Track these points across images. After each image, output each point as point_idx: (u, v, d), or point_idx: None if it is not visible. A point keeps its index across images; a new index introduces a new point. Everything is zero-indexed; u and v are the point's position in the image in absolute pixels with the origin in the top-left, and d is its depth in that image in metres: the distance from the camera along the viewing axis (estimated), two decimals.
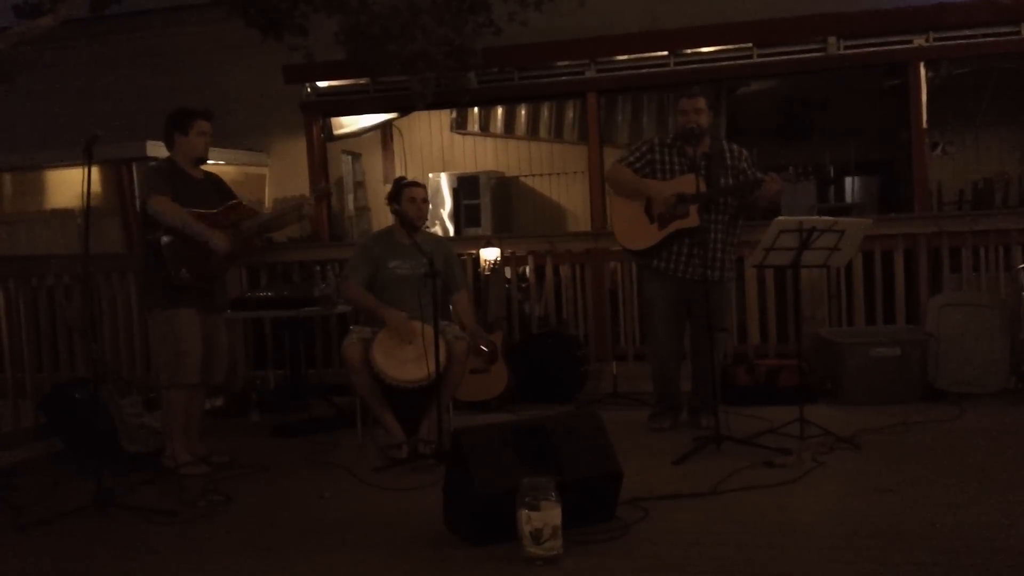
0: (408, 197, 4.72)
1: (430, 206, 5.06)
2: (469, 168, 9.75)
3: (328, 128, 7.87)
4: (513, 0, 6.18)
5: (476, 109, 9.52)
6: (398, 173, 9.58)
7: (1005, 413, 4.89)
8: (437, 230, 9.13)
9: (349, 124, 8.25)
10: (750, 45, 6.75)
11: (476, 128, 9.88)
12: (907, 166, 6.77)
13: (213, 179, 4.59)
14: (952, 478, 3.75)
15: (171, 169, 4.37)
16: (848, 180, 8.72)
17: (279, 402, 5.85)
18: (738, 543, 3.12)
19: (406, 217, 4.69)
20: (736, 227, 4.79)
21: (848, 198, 8.65)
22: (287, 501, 3.93)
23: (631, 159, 4.74)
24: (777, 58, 6.74)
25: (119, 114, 8.13)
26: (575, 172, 9.30)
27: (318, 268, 6.49)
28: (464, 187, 9.26)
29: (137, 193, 4.45)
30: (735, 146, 4.83)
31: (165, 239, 4.20)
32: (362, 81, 7.35)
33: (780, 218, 4.31)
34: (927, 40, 6.46)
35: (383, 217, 9.00)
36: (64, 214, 8.18)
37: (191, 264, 4.25)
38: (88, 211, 3.91)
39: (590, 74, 7.03)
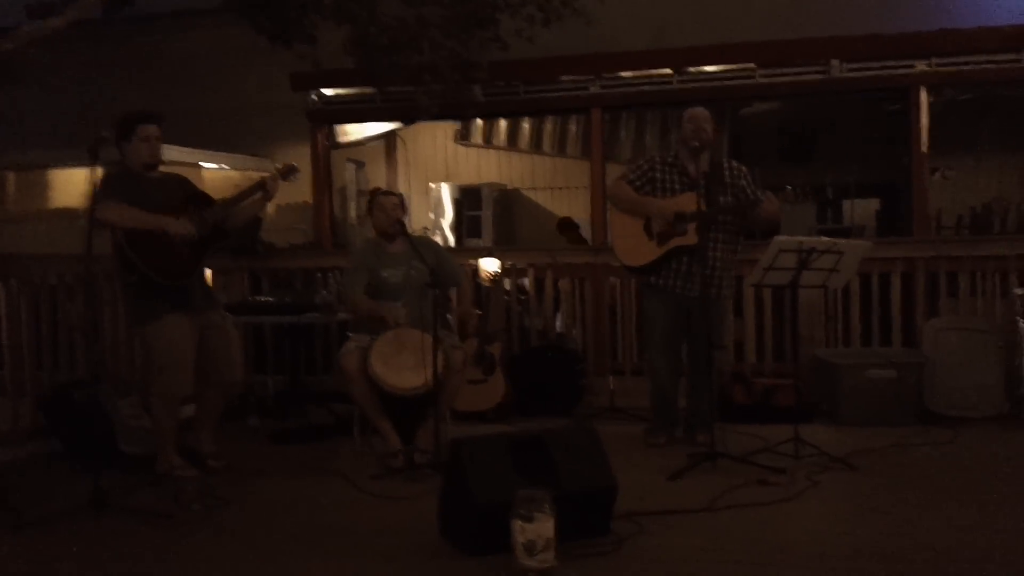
0: (378, 206, 4.82)
1: (431, 216, 5.11)
2: (472, 180, 9.80)
3: (333, 136, 7.91)
4: (520, 16, 6.23)
5: (480, 121, 9.57)
6: (401, 182, 9.63)
7: (999, 437, 4.92)
8: (438, 239, 9.16)
9: (354, 132, 8.29)
10: (753, 66, 6.80)
11: (480, 140, 9.94)
12: (907, 190, 6.81)
13: (176, 179, 4.45)
14: (945, 501, 3.77)
15: (121, 175, 4.23)
16: (847, 202, 8.77)
17: (278, 408, 5.87)
18: (731, 560, 3.14)
19: (378, 226, 4.77)
20: (737, 245, 4.82)
21: (847, 220, 8.70)
22: (283, 507, 3.94)
23: (631, 177, 4.78)
24: (780, 79, 6.80)
25: None
26: (577, 187, 9.35)
27: (320, 275, 6.52)
28: (466, 198, 9.32)
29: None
30: (735, 163, 4.86)
31: (125, 241, 4.09)
32: (368, 90, 7.39)
33: (779, 238, 4.34)
34: (929, 65, 6.52)
35: None
36: (68, 214, 8.20)
37: (159, 262, 4.13)
38: (93, 212, 3.93)
39: (595, 90, 7.07)
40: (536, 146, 9.83)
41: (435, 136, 9.97)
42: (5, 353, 5.10)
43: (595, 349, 6.25)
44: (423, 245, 4.93)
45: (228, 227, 4.43)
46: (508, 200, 9.88)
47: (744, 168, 4.83)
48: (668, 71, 6.95)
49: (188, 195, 4.37)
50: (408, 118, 7.72)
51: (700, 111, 4.69)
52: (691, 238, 4.55)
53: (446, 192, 9.47)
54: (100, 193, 4.06)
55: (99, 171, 3.94)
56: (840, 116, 8.75)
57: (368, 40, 6.06)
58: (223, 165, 8.52)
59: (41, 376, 5.20)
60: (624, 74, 7.05)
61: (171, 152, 4.51)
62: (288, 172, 4.50)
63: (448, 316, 5.22)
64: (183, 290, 4.27)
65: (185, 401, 4.49)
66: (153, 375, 4.33)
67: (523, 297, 6.52)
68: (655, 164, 4.80)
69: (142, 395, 4.78)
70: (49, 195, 8.72)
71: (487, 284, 5.73)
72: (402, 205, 4.94)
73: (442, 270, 4.70)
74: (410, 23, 5.93)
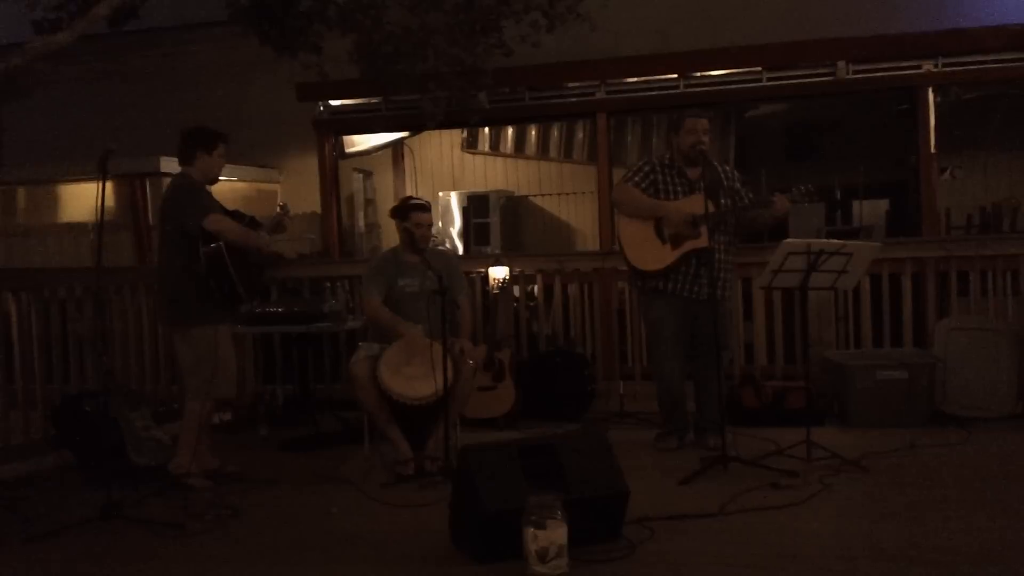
0: (415, 222, 4.79)
1: (439, 224, 5.11)
2: (479, 187, 9.80)
3: (340, 146, 7.93)
4: (525, 22, 6.24)
5: (487, 128, 9.59)
6: (409, 191, 9.63)
7: (1012, 438, 4.88)
8: (447, 247, 9.15)
9: (361, 142, 8.31)
10: (760, 69, 6.79)
11: (486, 147, 9.95)
12: (915, 190, 6.78)
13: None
14: (958, 502, 3.74)
15: (200, 185, 4.43)
16: (856, 203, 8.74)
17: (287, 417, 5.87)
18: (744, 564, 3.13)
19: (411, 239, 4.75)
20: (736, 246, 4.85)
21: (856, 221, 8.66)
22: (294, 515, 3.95)
23: (636, 179, 4.75)
24: (787, 82, 6.78)
25: (133, 129, 8.21)
26: (584, 192, 9.34)
27: (328, 284, 6.53)
28: (474, 206, 9.30)
29: (168, 210, 4.44)
30: (726, 167, 4.94)
31: (227, 252, 4.27)
32: (374, 100, 7.41)
33: (788, 240, 4.33)
34: (936, 65, 6.50)
35: (393, 234, 9.02)
36: (77, 228, 8.24)
37: (245, 277, 4.37)
38: (102, 225, 3.95)
39: (600, 95, 7.07)
40: (542, 152, 9.84)
41: (442, 144, 9.98)
42: (16, 365, 5.12)
43: (604, 354, 6.23)
44: (439, 257, 4.94)
45: None
46: (515, 206, 9.87)
47: (736, 172, 4.89)
48: (673, 75, 6.94)
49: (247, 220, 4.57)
50: (414, 127, 7.74)
51: (700, 123, 4.67)
52: (703, 240, 4.55)
53: (454, 200, 9.48)
54: (203, 206, 4.27)
55: (107, 184, 3.97)
56: (847, 117, 8.74)
57: (373, 48, 6.08)
58: (232, 176, 8.54)
59: (52, 388, 5.22)
60: (629, 79, 7.05)
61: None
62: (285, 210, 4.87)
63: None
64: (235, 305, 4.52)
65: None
66: (197, 377, 4.39)
67: (532, 303, 6.51)
68: (655, 167, 4.78)
69: (152, 406, 4.80)
70: (59, 209, 8.77)
71: (495, 291, 5.72)
72: (431, 222, 4.93)
73: (449, 283, 4.68)
74: (415, 31, 5.95)
